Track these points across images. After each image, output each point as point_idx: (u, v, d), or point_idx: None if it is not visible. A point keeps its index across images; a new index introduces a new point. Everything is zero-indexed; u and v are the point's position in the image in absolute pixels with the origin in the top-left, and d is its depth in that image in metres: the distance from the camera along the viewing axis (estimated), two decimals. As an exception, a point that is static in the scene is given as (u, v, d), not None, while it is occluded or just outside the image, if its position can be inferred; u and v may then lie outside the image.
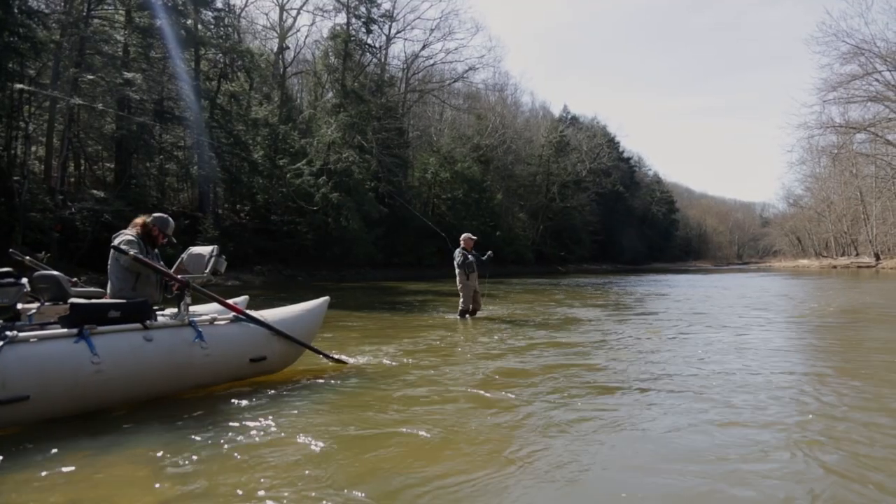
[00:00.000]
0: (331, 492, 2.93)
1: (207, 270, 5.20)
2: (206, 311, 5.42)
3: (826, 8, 66.59)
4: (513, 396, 4.84)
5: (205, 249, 5.48)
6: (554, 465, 3.29)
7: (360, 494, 2.90)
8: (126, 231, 4.89)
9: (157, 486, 3.02)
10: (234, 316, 5.11)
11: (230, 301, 5.82)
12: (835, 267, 53.13)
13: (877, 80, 40.48)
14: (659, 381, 5.35)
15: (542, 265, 51.95)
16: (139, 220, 5.01)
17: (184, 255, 5.49)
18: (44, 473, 3.17)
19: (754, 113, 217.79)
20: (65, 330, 4.04)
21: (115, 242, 4.69)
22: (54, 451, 3.46)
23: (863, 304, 14.01)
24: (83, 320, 4.09)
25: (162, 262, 5.00)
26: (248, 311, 5.26)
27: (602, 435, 3.82)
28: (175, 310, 4.85)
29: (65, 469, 3.22)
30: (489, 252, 10.90)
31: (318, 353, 5.82)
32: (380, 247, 33.40)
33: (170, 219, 5.20)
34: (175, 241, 5.62)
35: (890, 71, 39.19)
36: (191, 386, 4.69)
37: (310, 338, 5.74)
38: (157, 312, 4.92)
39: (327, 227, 30.30)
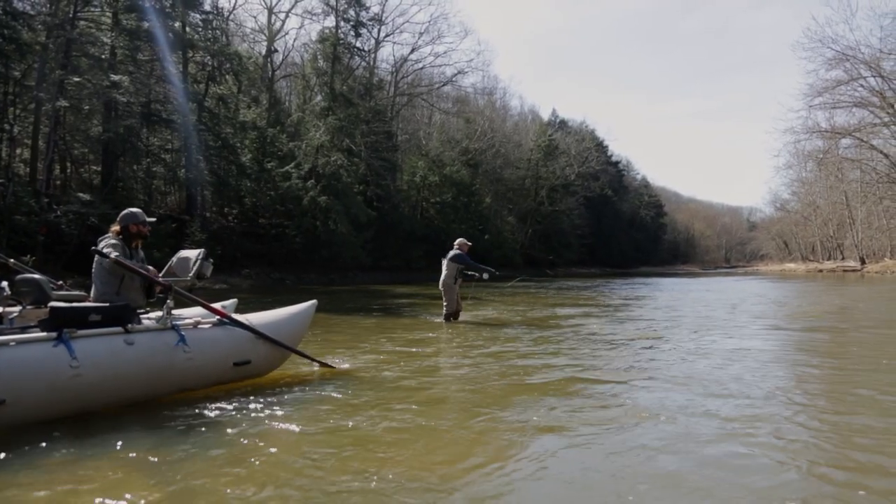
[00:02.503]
0: (316, 496, 2.93)
1: (192, 274, 5.20)
2: (192, 314, 5.40)
3: (812, 13, 67.09)
4: (499, 398, 4.86)
5: (192, 253, 5.47)
6: (543, 467, 3.31)
7: (346, 499, 2.91)
8: (108, 236, 4.86)
9: (138, 490, 3.01)
10: (217, 319, 5.09)
11: (219, 304, 5.81)
12: (821, 271, 53.61)
13: (861, 85, 41.04)
14: (647, 383, 5.39)
15: (531, 268, 52.06)
16: (113, 228, 4.92)
17: (173, 259, 5.48)
18: (21, 478, 3.14)
19: (742, 117, 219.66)
20: (43, 333, 4.01)
21: (99, 247, 4.67)
22: (32, 455, 3.44)
23: (842, 308, 14.18)
24: (63, 324, 4.06)
25: (146, 265, 4.98)
26: (232, 315, 5.25)
27: (588, 436, 3.85)
28: (161, 313, 4.84)
29: (43, 473, 3.20)
30: (493, 271, 10.72)
31: (305, 356, 5.80)
32: (368, 250, 33.34)
33: (134, 209, 5.06)
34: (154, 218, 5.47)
35: (874, 77, 39.71)
36: (173, 390, 4.66)
37: (296, 341, 5.72)
38: (143, 316, 4.90)
39: (315, 231, 30.23)
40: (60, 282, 5.71)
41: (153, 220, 5.19)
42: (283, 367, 5.73)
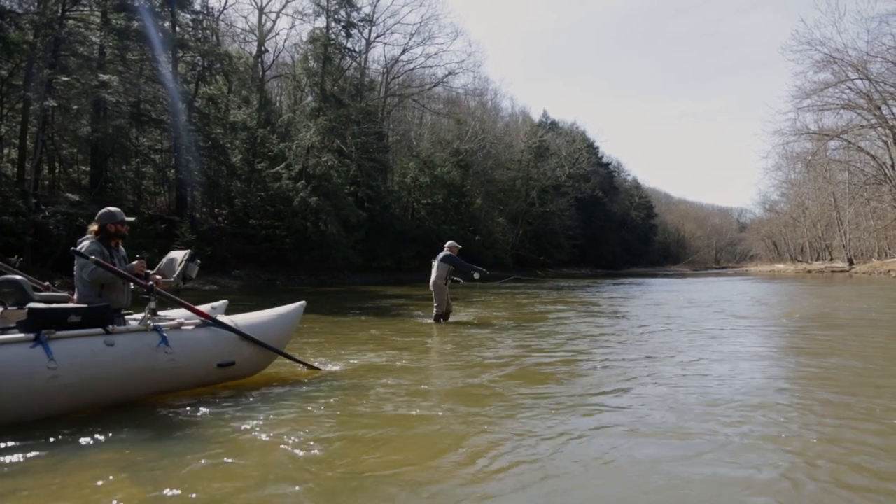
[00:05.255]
0: (302, 497, 2.93)
1: (176, 275, 5.19)
2: (178, 315, 5.38)
3: (801, 16, 67.56)
4: (485, 401, 4.87)
5: (179, 254, 5.46)
6: (529, 469, 3.33)
7: (331, 499, 2.91)
8: (87, 237, 4.84)
9: (118, 493, 3.00)
10: (201, 320, 5.08)
11: (209, 305, 5.80)
12: (809, 271, 53.92)
13: (849, 88, 41.28)
14: (632, 385, 5.41)
15: (522, 269, 52.13)
16: (91, 228, 4.89)
17: (162, 260, 5.47)
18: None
19: (732, 118, 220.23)
20: (21, 335, 3.99)
21: (77, 249, 4.66)
22: (14, 457, 3.43)
23: (826, 307, 14.29)
24: (41, 325, 4.04)
25: (126, 265, 4.95)
26: (217, 316, 5.23)
27: (574, 437, 3.87)
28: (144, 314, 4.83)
29: (23, 477, 3.19)
30: (484, 270, 10.72)
31: (290, 358, 5.80)
32: (359, 251, 33.29)
33: (112, 208, 5.02)
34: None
35: (861, 79, 39.94)
36: (154, 391, 4.65)
37: (283, 343, 5.71)
38: (128, 317, 4.88)
39: (306, 232, 30.15)
40: (47, 283, 5.69)
41: (132, 219, 5.16)
42: (270, 368, 5.72)
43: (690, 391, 5.16)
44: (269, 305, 6.07)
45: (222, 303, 6.43)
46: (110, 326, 4.39)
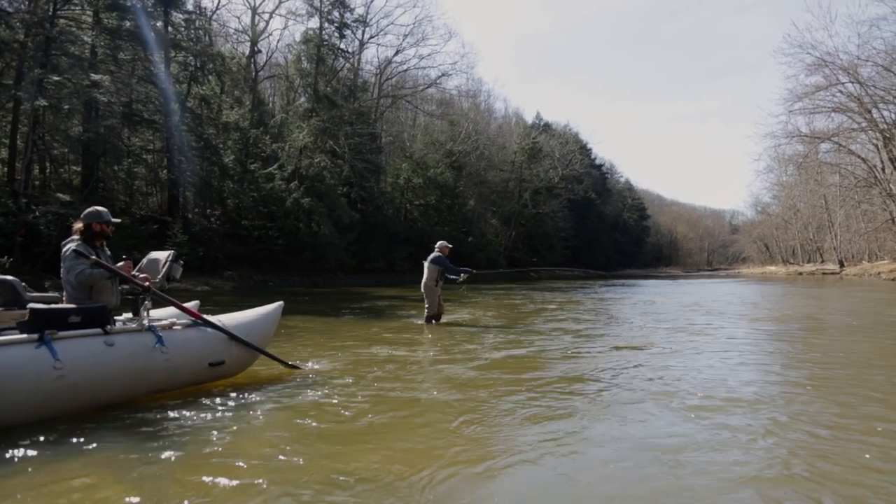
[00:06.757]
0: (288, 496, 2.95)
1: (160, 276, 5.18)
2: (162, 315, 5.40)
3: (792, 20, 68.06)
4: (472, 401, 4.89)
5: (162, 254, 5.45)
6: (518, 470, 3.34)
7: (316, 499, 2.92)
8: (73, 238, 4.80)
9: (117, 493, 3.01)
10: (191, 321, 5.09)
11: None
12: (801, 273, 54.22)
13: (840, 91, 41.45)
14: (613, 385, 5.44)
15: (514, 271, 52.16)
16: (76, 226, 4.84)
17: (143, 261, 5.46)
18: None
19: (725, 120, 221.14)
20: (24, 335, 3.98)
21: (66, 252, 4.64)
22: (9, 458, 3.43)
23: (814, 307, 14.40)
24: (43, 326, 4.03)
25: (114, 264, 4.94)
26: (205, 316, 5.25)
27: (564, 436, 3.89)
28: (130, 314, 4.83)
29: (22, 477, 3.20)
30: (470, 270, 10.80)
31: (273, 357, 5.86)
32: (351, 252, 33.26)
33: (98, 208, 4.97)
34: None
35: (852, 83, 40.16)
36: (151, 391, 4.67)
37: (265, 342, 5.80)
38: (115, 317, 4.88)
39: (298, 233, 30.09)
40: (23, 284, 5.67)
41: (118, 220, 5.14)
42: (255, 367, 5.77)
43: (665, 378, 5.21)
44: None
45: (194, 303, 6.44)
46: (108, 327, 4.40)
